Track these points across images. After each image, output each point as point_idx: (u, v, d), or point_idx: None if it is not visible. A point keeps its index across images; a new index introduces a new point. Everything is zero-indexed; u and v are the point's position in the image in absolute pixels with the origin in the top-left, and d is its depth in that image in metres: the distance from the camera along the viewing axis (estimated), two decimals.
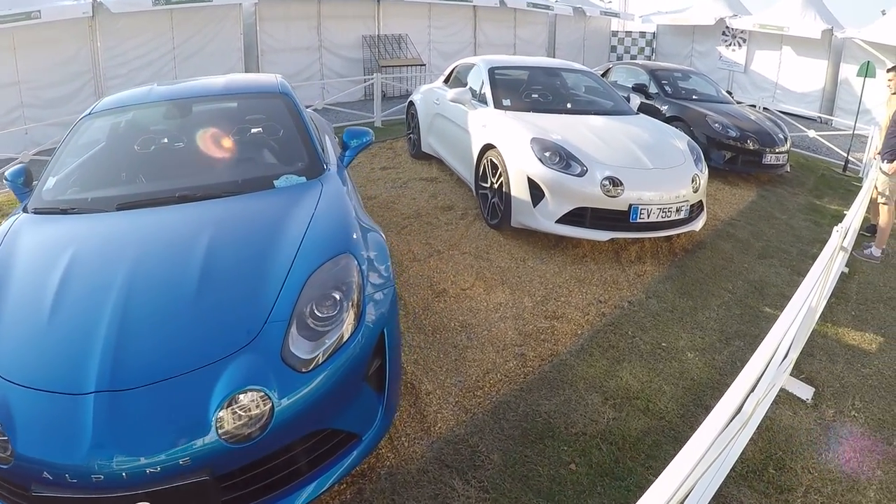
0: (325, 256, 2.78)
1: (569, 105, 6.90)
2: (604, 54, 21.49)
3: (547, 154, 5.36)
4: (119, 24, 12.44)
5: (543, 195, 5.32)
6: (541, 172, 5.30)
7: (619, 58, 21.39)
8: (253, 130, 4.39)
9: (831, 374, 4.07)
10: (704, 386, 3.81)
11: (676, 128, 8.91)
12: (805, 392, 3.84)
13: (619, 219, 5.23)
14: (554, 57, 20.12)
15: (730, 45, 17.99)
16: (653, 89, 9.92)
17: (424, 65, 16.36)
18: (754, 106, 12.88)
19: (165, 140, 4.26)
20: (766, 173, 9.04)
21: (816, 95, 16.24)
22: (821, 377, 4.03)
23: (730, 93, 10.63)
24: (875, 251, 6.38)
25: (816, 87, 16.28)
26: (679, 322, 4.56)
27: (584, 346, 4.14)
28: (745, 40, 17.56)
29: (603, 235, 5.25)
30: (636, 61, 11.23)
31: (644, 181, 5.27)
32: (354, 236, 3.03)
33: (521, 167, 5.45)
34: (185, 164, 4.02)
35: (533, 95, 6.98)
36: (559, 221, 5.29)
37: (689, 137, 6.33)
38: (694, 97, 9.96)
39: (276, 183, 3.63)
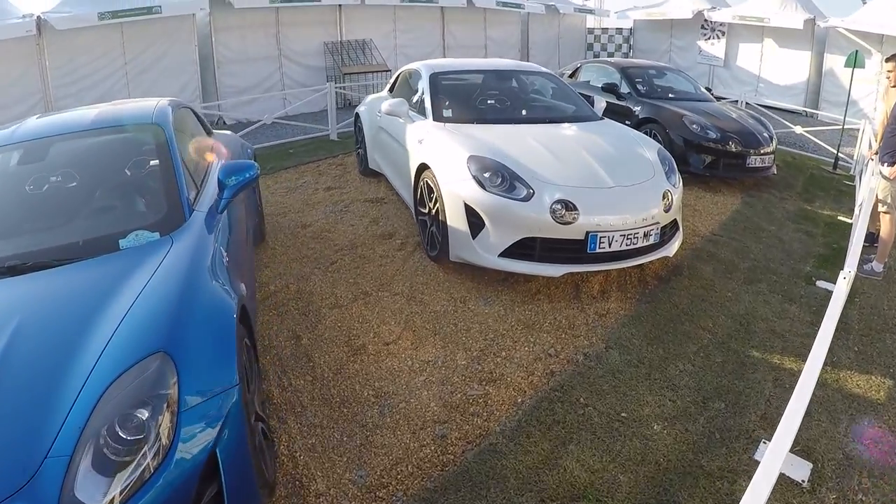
0: (132, 358, 2.08)
1: (522, 113, 6.07)
2: (580, 53, 20.66)
3: (487, 175, 4.49)
4: (67, 42, 11.59)
5: (483, 224, 4.45)
6: (479, 197, 4.43)
7: (596, 55, 20.55)
8: (113, 173, 3.64)
9: (832, 441, 3.22)
10: (673, 472, 2.94)
11: (651, 130, 8.15)
12: (801, 471, 2.99)
13: (574, 249, 4.36)
14: (528, 58, 19.27)
15: (709, 38, 17.17)
16: (624, 89, 9.06)
17: (390, 70, 15.46)
18: (736, 102, 12.06)
19: (11, 191, 3.51)
20: (750, 177, 8.19)
21: (801, 88, 15.44)
22: (820, 446, 3.17)
23: (709, 89, 9.79)
24: (877, 266, 5.53)
25: (800, 79, 15.48)
26: (645, 380, 3.68)
27: (522, 423, 3.26)
28: (724, 33, 16.75)
29: (555, 270, 4.38)
30: (606, 59, 10.39)
31: (604, 203, 4.42)
32: (179, 326, 2.29)
33: (456, 191, 4.58)
34: (27, 222, 3.31)
35: (480, 103, 6.15)
36: (503, 255, 4.43)
37: (659, 145, 5.45)
38: (670, 96, 9.12)
39: (121, 243, 2.88)
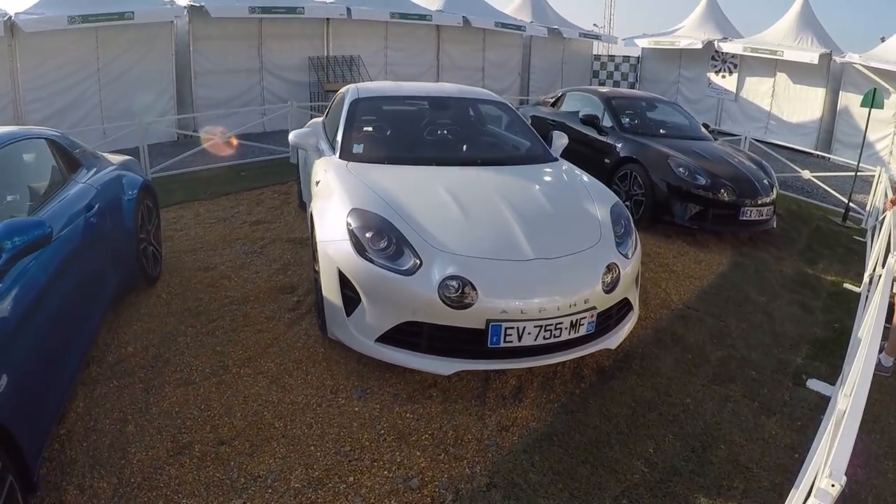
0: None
1: (452, 152, 5.01)
2: (584, 80, 19.56)
3: (368, 235, 3.41)
4: (39, 45, 10.76)
5: (359, 299, 3.35)
6: (354, 264, 3.35)
7: (602, 83, 19.46)
8: None
9: None
10: None
11: (631, 172, 7.03)
12: None
13: (472, 341, 3.24)
14: (529, 83, 18.23)
15: (720, 70, 16.05)
16: (607, 122, 7.94)
17: None
18: (737, 137, 10.84)
19: None
20: (745, 232, 7.02)
21: (813, 127, 14.26)
22: None
23: (707, 126, 8.62)
24: (885, 359, 4.36)
25: (813, 117, 14.31)
26: None
27: None
28: (735, 65, 15.61)
29: (445, 367, 3.26)
30: (592, 87, 9.24)
31: (515, 282, 3.30)
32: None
33: (330, 253, 3.50)
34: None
35: (402, 138, 5.09)
36: (381, 340, 3.32)
37: (617, 199, 4.31)
38: (660, 132, 7.98)
39: None
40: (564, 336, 3.31)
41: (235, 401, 3.34)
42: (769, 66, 14.75)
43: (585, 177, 4.68)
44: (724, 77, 15.94)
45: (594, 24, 30.71)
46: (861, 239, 7.94)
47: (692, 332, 4.60)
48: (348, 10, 13.92)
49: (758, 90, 15.24)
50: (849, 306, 5.42)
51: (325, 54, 14.57)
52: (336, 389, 3.47)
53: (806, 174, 9.47)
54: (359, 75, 14.60)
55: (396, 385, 3.52)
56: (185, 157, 9.43)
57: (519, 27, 16.60)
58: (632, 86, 18.73)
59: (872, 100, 8.60)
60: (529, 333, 3.22)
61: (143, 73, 12.42)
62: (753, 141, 10.06)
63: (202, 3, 12.50)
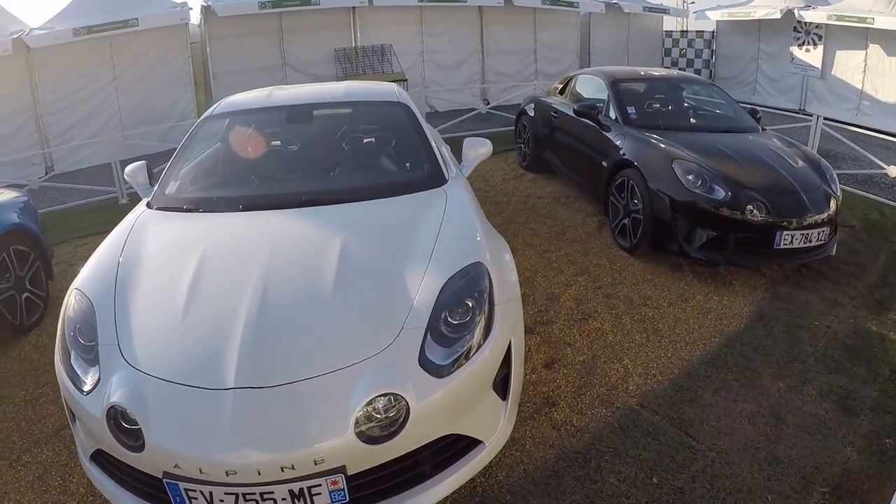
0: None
1: (282, 188, 3.53)
2: (655, 59, 17.11)
3: (72, 332, 2.45)
4: (55, 57, 10.43)
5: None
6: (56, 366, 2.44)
7: (674, 63, 16.97)
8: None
9: None
10: None
11: (628, 180, 5.22)
12: None
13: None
14: (589, 65, 16.03)
15: (803, 44, 13.28)
16: (611, 112, 6.02)
17: (406, 80, 12.94)
18: (807, 121, 8.43)
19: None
20: (784, 263, 4.98)
21: None
22: None
23: (755, 112, 6.42)
24: None
25: None
26: None
27: None
28: (820, 37, 12.84)
29: None
30: (600, 68, 7.26)
31: (197, 422, 2.04)
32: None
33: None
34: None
35: (231, 170, 3.78)
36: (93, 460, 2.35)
37: (479, 260, 2.58)
38: (681, 123, 5.99)
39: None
40: None
41: None
42: (859, 36, 11.93)
43: (462, 212, 2.99)
44: (807, 51, 13.17)
45: None
46: None
47: (622, 466, 2.81)
48: None
49: (847, 65, 12.41)
50: None
51: (353, 45, 13.18)
52: None
53: (894, 171, 7.08)
54: (389, 65, 13.14)
55: None
56: None
57: (571, 3, 14.47)
58: (706, 63, 16.14)
59: None
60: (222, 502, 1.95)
61: (159, 77, 11.76)
62: (825, 128, 7.67)
63: (209, 3, 11.46)
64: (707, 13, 15.36)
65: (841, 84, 12.55)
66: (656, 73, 6.84)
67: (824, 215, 4.74)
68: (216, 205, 3.18)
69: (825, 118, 7.93)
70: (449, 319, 2.35)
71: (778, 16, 13.18)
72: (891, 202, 7.07)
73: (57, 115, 10.71)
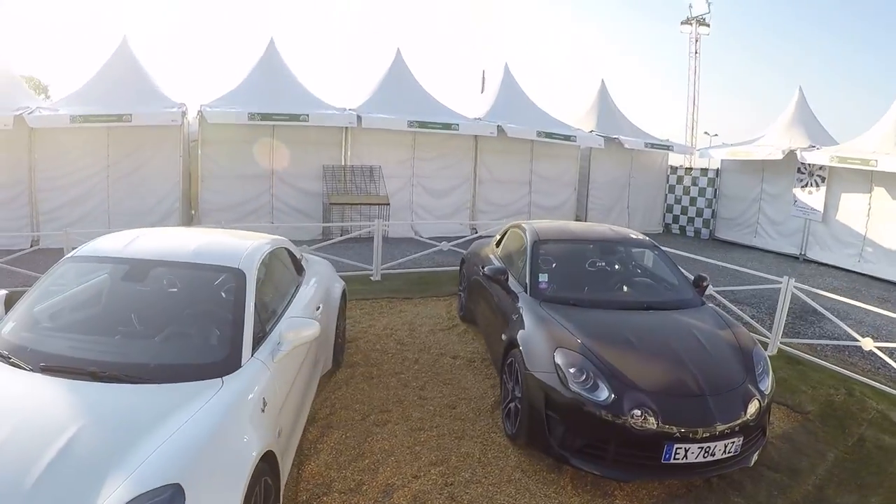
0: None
1: None
2: (658, 195, 16.46)
3: None
4: (54, 138, 10.85)
5: None
6: None
7: (678, 201, 16.25)
8: None
9: None
10: None
11: (513, 363, 4.30)
12: None
13: None
14: (587, 199, 15.39)
15: (806, 185, 12.47)
16: (522, 278, 5.16)
17: (388, 204, 12.46)
18: (787, 279, 7.36)
19: None
20: (682, 479, 3.87)
21: None
22: None
23: (701, 281, 5.39)
24: None
25: None
26: None
27: None
28: (824, 179, 12.00)
29: None
30: (530, 221, 6.41)
31: None
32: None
33: None
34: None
35: None
36: None
37: None
38: (605, 296, 5.02)
39: None
40: None
41: None
42: (863, 178, 11.14)
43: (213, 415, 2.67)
44: (810, 193, 12.32)
45: (705, 132, 27.21)
46: None
47: None
48: (359, 118, 12.23)
49: (850, 209, 11.52)
50: None
51: (343, 163, 12.88)
52: None
53: (868, 344, 5.92)
54: (375, 188, 12.73)
55: None
56: None
57: (568, 137, 14.03)
58: (709, 203, 15.36)
59: None
60: None
61: (150, 173, 11.81)
62: (796, 291, 6.60)
63: (200, 109, 11.44)
64: (710, 151, 14.75)
65: (843, 229, 11.59)
66: (591, 232, 6.04)
67: (736, 423, 3.66)
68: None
69: (826, 264, 6.89)
70: None
71: (780, 156, 12.51)
72: (864, 379, 5.85)
73: (49, 192, 10.98)
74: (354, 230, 11.22)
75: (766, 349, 6.44)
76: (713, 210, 15.30)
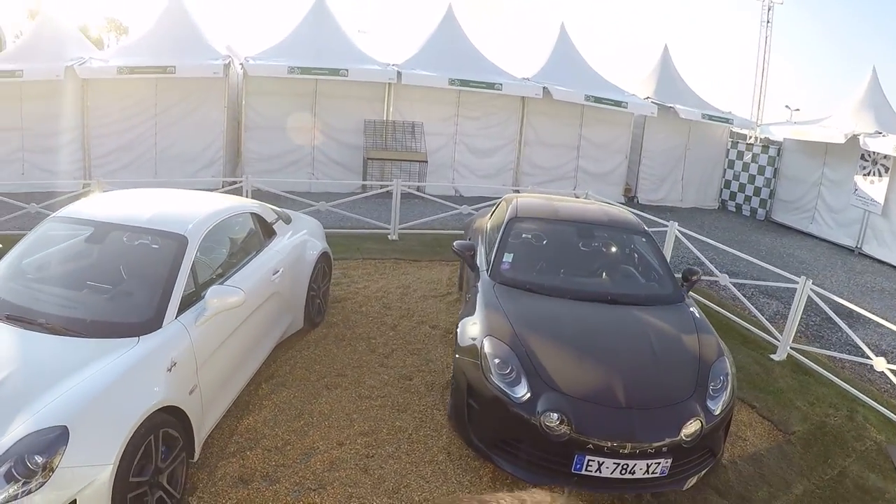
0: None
1: None
2: (717, 169, 15.56)
3: None
4: (106, 87, 11.30)
5: None
6: None
7: (736, 175, 15.33)
8: None
9: None
10: None
11: None
12: None
13: None
14: (639, 168, 14.74)
15: (869, 174, 11.48)
16: (482, 263, 4.97)
17: (426, 161, 12.33)
18: (804, 280, 6.84)
19: None
20: (599, 492, 3.62)
21: None
22: None
23: (692, 275, 4.91)
24: None
25: None
26: None
27: None
28: (887, 169, 11.01)
29: None
30: (517, 196, 6.10)
31: None
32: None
33: None
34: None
35: None
36: None
37: None
38: (569, 285, 4.65)
39: None
40: None
41: None
42: None
43: (104, 373, 2.98)
44: (872, 183, 11.34)
45: (785, 106, 25.33)
46: None
47: None
48: (399, 74, 12.03)
49: None
50: None
51: (385, 118, 12.78)
52: None
53: (880, 364, 5.39)
54: (414, 144, 12.61)
55: None
56: None
57: (619, 103, 13.39)
58: (767, 182, 14.42)
59: None
60: None
61: (196, 122, 12.15)
62: (812, 293, 6.07)
63: (242, 62, 11.59)
64: (771, 128, 13.77)
65: None
66: (576, 213, 5.55)
67: (660, 443, 3.39)
68: None
69: (881, 261, 6.31)
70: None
71: (841, 140, 11.54)
72: (873, 403, 5.29)
73: (100, 138, 11.51)
74: (378, 187, 11.17)
75: (774, 354, 6.01)
76: (771, 190, 14.36)
